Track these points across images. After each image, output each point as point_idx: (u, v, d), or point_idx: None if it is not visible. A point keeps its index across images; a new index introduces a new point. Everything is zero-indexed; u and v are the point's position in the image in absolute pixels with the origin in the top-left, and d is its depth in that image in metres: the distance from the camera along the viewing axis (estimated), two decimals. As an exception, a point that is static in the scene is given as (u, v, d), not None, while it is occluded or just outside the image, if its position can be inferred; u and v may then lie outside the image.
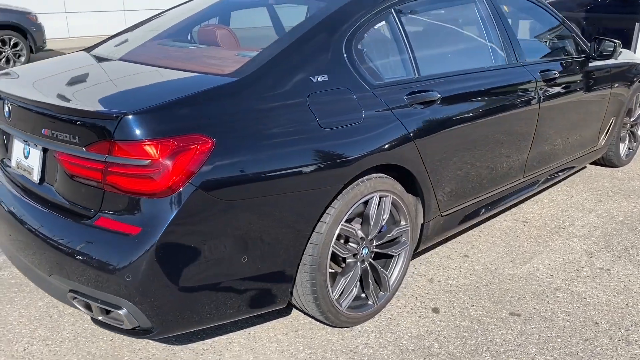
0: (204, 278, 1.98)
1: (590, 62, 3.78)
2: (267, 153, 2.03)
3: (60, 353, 2.34)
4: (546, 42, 3.77)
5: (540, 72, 3.32)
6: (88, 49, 2.97)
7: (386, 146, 2.38)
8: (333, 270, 2.47)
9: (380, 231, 2.56)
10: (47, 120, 2.04)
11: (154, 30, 3.07)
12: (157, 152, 1.83)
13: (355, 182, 2.34)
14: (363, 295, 2.59)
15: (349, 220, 2.38)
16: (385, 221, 2.53)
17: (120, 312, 1.94)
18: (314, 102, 2.20)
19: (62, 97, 2.10)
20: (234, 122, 1.99)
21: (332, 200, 2.27)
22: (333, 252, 2.32)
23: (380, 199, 2.46)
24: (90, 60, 2.69)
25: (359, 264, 2.49)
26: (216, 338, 2.46)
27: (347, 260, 2.46)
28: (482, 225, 3.58)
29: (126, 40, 2.98)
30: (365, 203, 2.42)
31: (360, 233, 2.45)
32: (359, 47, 2.46)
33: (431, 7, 2.95)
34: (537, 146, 3.40)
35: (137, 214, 1.88)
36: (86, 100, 2.06)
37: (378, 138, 2.36)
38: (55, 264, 2.00)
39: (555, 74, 3.40)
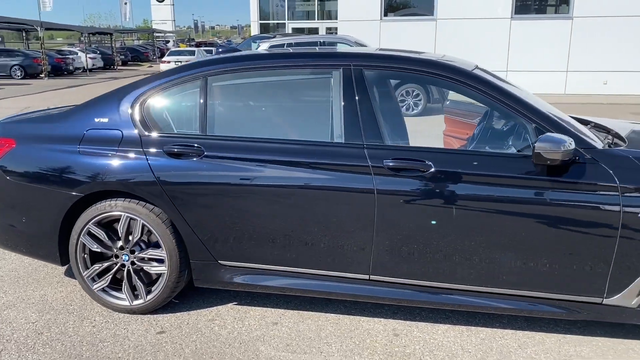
0: (3, 218, 3.39)
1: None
2: (42, 158, 3.24)
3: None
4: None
5: (392, 159, 2.83)
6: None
7: (124, 178, 3.08)
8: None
9: (141, 247, 3.22)
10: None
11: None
12: None
13: (106, 200, 3.17)
14: (136, 292, 3.29)
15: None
16: (136, 239, 3.18)
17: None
18: (88, 133, 3.21)
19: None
20: (35, 135, 3.30)
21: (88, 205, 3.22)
22: (85, 243, 3.24)
23: (130, 219, 3.15)
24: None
25: (119, 264, 3.25)
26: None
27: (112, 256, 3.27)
28: (352, 319, 3.25)
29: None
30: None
31: (120, 242, 3.22)
32: (149, 104, 3.20)
33: (243, 79, 3.16)
34: (385, 244, 2.89)
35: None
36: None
37: (119, 170, 3.09)
38: None
39: (426, 164, 2.79)
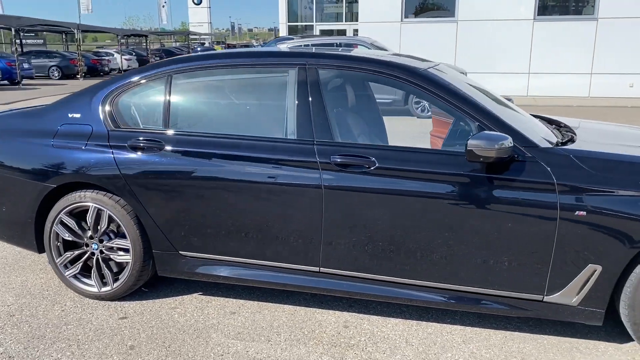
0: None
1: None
2: (20, 151, 3.44)
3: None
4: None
5: (339, 155, 2.92)
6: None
7: (92, 171, 3.25)
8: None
9: (109, 237, 3.39)
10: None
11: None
12: None
13: (77, 191, 3.35)
14: (104, 279, 3.46)
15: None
16: (103, 230, 3.35)
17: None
18: (62, 128, 3.40)
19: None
20: (16, 129, 3.51)
21: (60, 196, 3.40)
22: (58, 232, 3.42)
23: (98, 210, 3.32)
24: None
25: (89, 252, 3.43)
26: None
27: (83, 245, 3.45)
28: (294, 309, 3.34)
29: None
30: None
31: (90, 232, 3.40)
32: (118, 101, 3.36)
33: (205, 77, 3.30)
34: (333, 238, 2.98)
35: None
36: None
37: (87, 163, 3.27)
38: None
39: (370, 160, 2.87)
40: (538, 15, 14.42)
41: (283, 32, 25.13)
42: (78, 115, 3.42)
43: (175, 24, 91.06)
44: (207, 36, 63.69)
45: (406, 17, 15.35)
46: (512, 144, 2.68)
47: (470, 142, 2.65)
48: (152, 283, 3.65)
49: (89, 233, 3.40)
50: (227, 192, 3.10)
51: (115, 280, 3.41)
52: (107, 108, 3.38)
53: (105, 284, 3.43)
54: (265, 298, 3.48)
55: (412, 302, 3.01)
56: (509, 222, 2.74)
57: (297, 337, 3.03)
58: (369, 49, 11.80)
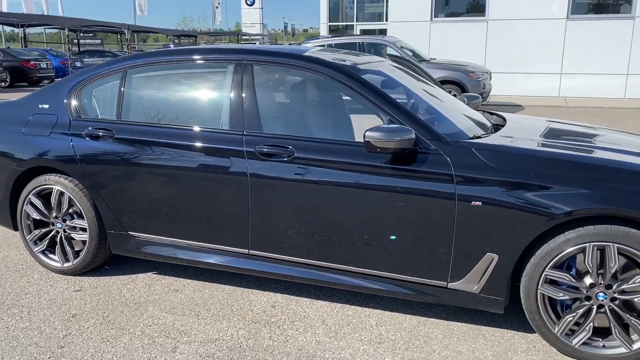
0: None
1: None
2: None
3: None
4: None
5: (264, 145, 3.12)
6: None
7: (53, 156, 3.59)
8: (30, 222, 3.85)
9: (72, 217, 3.73)
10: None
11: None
12: None
13: (43, 174, 3.70)
14: (67, 255, 3.80)
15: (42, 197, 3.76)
16: (65, 210, 3.68)
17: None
18: (33, 118, 3.76)
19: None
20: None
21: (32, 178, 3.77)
22: (28, 211, 3.79)
23: (61, 192, 3.66)
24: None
25: (54, 231, 3.78)
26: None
27: (50, 223, 3.81)
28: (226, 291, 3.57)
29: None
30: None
31: (55, 212, 3.75)
32: (81, 92, 3.69)
33: (156, 72, 3.57)
34: (259, 222, 3.19)
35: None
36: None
37: (50, 149, 3.61)
38: None
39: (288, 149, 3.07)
40: (571, 14, 14.07)
41: (323, 32, 25.37)
42: (47, 106, 3.77)
43: (230, 25, 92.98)
44: (257, 36, 64.80)
45: (436, 16, 15.30)
46: (414, 137, 2.81)
47: (368, 133, 2.80)
48: (115, 262, 3.97)
49: (54, 213, 3.75)
50: (165, 178, 3.36)
51: (76, 256, 3.74)
52: (72, 99, 3.71)
53: (67, 260, 3.77)
54: (211, 279, 3.73)
55: (330, 284, 3.18)
56: (412, 210, 2.88)
57: (224, 313, 3.27)
58: (392, 49, 11.89)
